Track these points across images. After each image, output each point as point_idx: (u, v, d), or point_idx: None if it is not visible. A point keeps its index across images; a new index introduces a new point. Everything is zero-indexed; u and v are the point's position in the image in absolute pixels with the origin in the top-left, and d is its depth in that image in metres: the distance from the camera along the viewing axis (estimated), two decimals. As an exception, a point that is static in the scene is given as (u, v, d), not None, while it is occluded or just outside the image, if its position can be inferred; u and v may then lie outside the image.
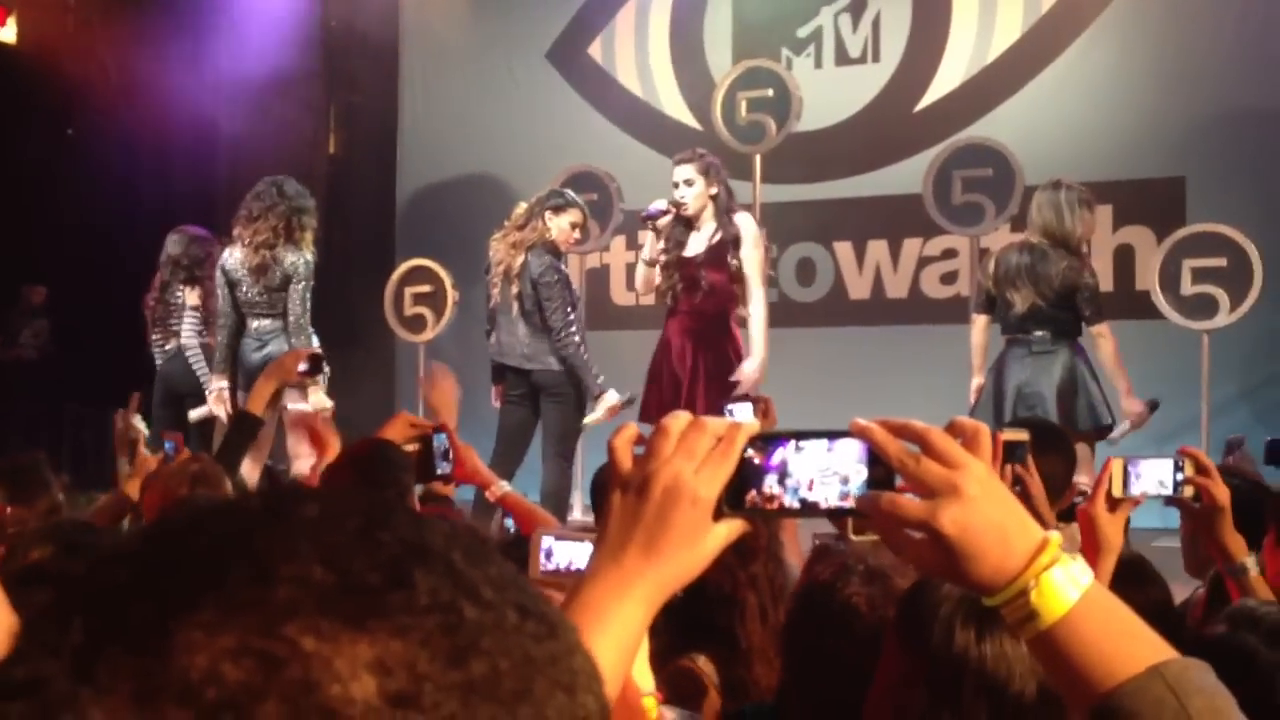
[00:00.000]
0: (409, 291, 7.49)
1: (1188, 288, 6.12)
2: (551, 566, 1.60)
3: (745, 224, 5.79)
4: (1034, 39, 7.55)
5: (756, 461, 1.00)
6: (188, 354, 6.70)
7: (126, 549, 0.54)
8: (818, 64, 8.03)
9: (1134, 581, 2.26)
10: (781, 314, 7.74)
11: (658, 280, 5.83)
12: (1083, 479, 4.31)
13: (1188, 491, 2.30)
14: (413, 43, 9.15)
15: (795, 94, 6.79)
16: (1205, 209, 6.70)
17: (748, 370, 5.64)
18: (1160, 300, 6.15)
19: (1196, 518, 2.33)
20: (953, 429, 0.99)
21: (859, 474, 1.00)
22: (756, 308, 5.74)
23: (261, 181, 6.17)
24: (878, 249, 7.85)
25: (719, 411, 5.48)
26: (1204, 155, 7.05)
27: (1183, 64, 7.16)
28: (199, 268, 6.84)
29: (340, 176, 8.93)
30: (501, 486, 3.15)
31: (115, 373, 6.12)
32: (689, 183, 5.73)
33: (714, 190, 5.73)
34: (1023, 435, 2.71)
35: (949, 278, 7.60)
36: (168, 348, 6.95)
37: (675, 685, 2.03)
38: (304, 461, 5.58)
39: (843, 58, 8.00)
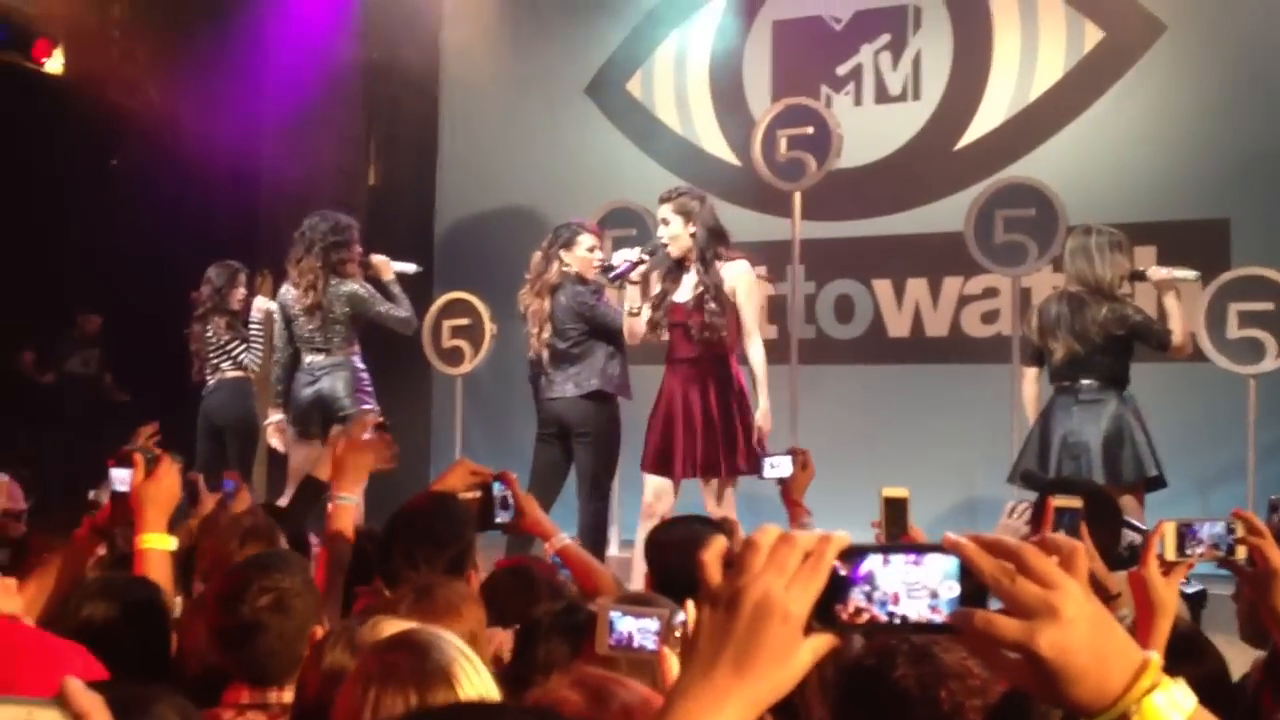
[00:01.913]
0: (447, 324, 7.49)
1: (1234, 331, 6.06)
2: (614, 640, 1.61)
3: (735, 272, 5.52)
4: (1076, 78, 7.50)
5: (843, 574, 0.99)
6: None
7: None
8: (858, 101, 8.01)
9: (1189, 655, 2.23)
10: (819, 351, 7.72)
11: (643, 329, 5.66)
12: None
13: (1240, 554, 2.27)
14: (452, 76, 9.20)
15: (835, 131, 6.78)
16: (1250, 251, 6.63)
17: (755, 423, 5.44)
18: (1206, 344, 6.08)
19: (1250, 581, 2.30)
20: (1047, 546, 0.98)
21: (948, 589, 0.98)
22: (756, 353, 5.53)
23: (305, 220, 6.26)
24: (917, 287, 7.80)
25: (721, 456, 5.43)
26: (1249, 197, 6.97)
27: (1227, 105, 7.09)
28: (223, 299, 7.00)
29: (380, 209, 8.98)
30: (561, 539, 3.14)
31: (157, 403, 6.19)
32: (665, 222, 5.59)
33: (692, 230, 5.53)
34: (1076, 502, 2.67)
35: (990, 317, 7.55)
36: (210, 382, 7.02)
37: None
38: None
39: (883, 95, 7.98)
